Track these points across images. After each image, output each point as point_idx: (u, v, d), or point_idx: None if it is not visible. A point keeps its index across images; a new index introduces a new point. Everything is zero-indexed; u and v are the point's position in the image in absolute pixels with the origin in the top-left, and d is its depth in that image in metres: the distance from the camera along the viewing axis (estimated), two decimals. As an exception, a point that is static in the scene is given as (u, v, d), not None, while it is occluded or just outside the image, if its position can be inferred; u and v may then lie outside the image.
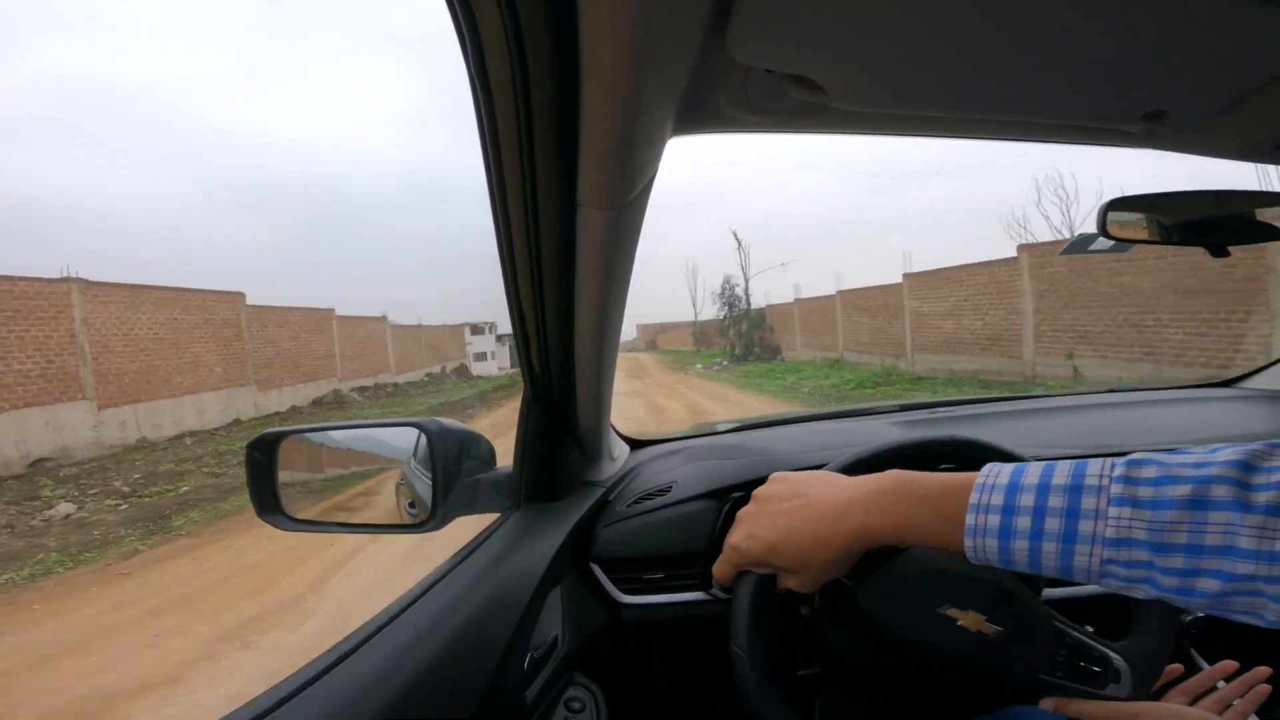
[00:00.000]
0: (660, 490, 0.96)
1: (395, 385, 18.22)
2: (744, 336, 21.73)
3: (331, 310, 16.17)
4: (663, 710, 0.91)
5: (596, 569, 0.90)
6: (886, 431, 0.68)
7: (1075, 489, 0.43)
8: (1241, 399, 1.28)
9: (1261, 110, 0.56)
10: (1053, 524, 0.43)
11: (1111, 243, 0.91)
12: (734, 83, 0.52)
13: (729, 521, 0.92)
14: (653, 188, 0.60)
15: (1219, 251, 0.83)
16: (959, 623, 0.60)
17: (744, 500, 0.93)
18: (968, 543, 0.46)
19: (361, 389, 16.47)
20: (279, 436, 0.86)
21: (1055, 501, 0.43)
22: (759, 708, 0.59)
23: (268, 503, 0.84)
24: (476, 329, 32.71)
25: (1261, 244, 0.88)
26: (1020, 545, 0.44)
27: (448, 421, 0.84)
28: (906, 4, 0.41)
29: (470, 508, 0.83)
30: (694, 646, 0.94)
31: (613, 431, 1.05)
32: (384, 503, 0.93)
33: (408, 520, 0.87)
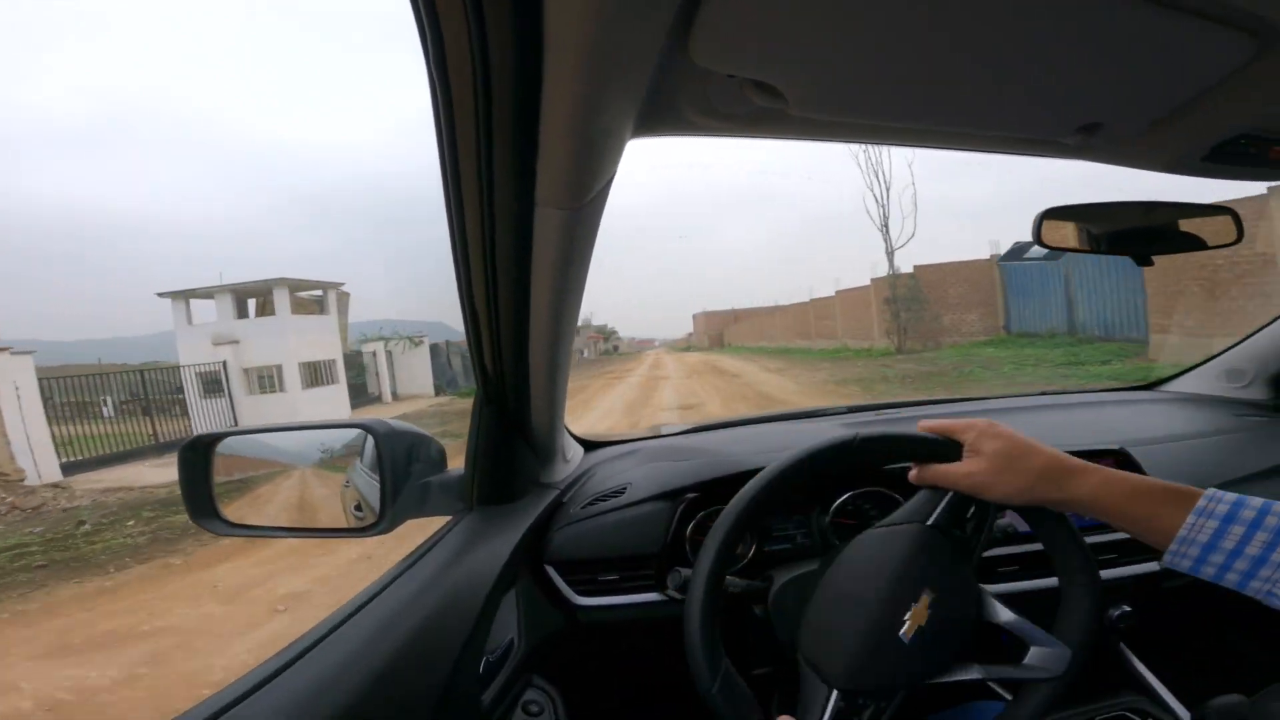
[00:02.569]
0: (615, 491, 0.96)
1: None
2: None
3: None
4: (620, 711, 0.91)
5: (551, 571, 0.89)
6: (836, 432, 0.69)
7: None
8: (1163, 401, 1.37)
9: (1189, 124, 0.60)
10: (1252, 549, 0.54)
11: (1045, 250, 0.95)
12: (695, 86, 0.52)
13: (683, 522, 0.93)
14: (611, 187, 0.60)
15: (1143, 260, 0.88)
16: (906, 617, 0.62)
17: (698, 501, 0.94)
18: (1173, 546, 0.57)
19: None
20: (215, 439, 0.82)
21: (1261, 536, 0.54)
22: (715, 704, 0.60)
23: (202, 506, 0.81)
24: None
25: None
26: (1216, 559, 0.55)
27: (395, 422, 0.82)
28: (862, 17, 0.43)
29: (420, 510, 0.81)
30: (650, 647, 0.94)
31: (566, 432, 1.04)
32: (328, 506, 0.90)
33: (354, 524, 0.84)
